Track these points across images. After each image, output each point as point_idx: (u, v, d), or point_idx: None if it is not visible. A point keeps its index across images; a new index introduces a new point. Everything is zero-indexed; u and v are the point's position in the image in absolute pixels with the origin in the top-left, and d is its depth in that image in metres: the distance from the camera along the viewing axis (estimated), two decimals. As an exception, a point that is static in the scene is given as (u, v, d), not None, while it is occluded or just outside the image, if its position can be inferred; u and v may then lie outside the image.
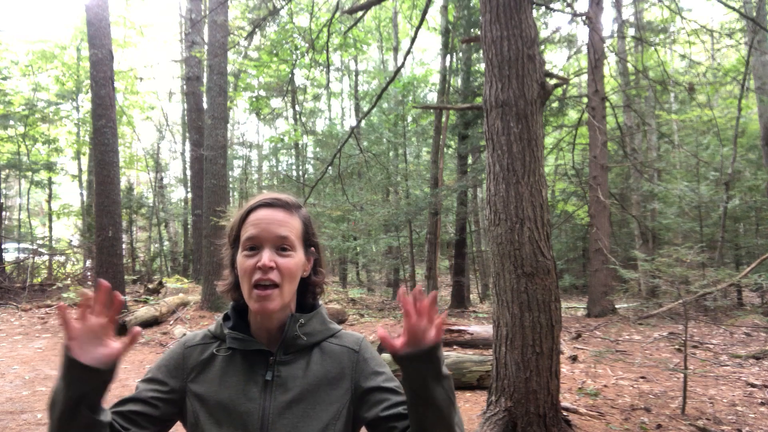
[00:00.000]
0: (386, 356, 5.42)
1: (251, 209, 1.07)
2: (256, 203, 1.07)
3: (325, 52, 6.53)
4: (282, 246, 1.03)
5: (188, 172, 17.09)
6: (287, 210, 1.07)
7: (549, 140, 14.25)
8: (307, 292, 1.13)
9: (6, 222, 15.81)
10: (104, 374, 0.87)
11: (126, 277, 11.01)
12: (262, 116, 20.75)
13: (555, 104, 11.48)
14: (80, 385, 0.86)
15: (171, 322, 8.39)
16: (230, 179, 20.28)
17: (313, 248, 1.12)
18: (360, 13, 6.81)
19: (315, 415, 1.00)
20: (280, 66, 10.78)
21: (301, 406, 1.00)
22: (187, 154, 17.15)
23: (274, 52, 9.45)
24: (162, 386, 1.04)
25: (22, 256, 14.06)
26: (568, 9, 9.42)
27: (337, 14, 6.84)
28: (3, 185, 15.43)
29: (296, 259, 1.05)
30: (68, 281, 12.97)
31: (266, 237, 1.02)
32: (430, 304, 0.90)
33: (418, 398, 0.91)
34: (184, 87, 16.66)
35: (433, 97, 16.59)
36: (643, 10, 13.98)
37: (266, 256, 1.00)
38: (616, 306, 10.39)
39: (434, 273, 11.79)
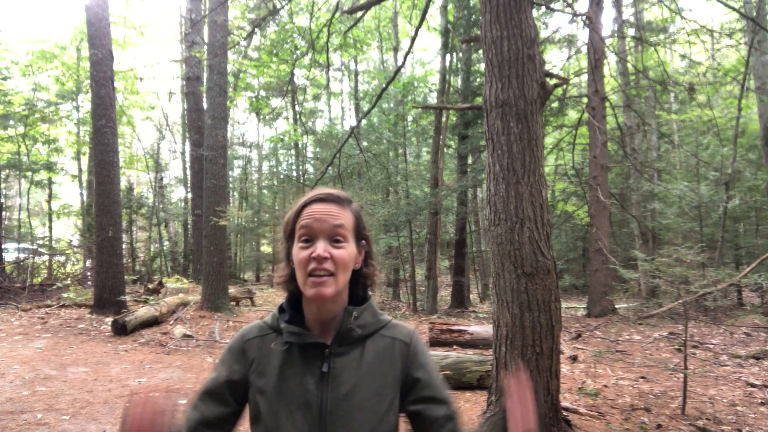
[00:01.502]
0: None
1: (305, 204, 1.11)
2: (309, 198, 1.12)
3: (325, 52, 6.53)
4: (335, 237, 1.08)
5: (188, 172, 17.09)
6: (340, 204, 1.12)
7: (549, 140, 14.25)
8: (358, 284, 1.16)
9: (6, 222, 15.81)
10: None
11: (126, 277, 11.01)
12: (262, 116, 20.75)
13: (555, 104, 11.48)
14: None
15: (171, 322, 8.38)
16: (230, 179, 20.27)
17: (364, 241, 1.16)
18: (360, 13, 6.81)
19: (370, 407, 1.05)
20: (280, 66, 10.76)
21: (357, 398, 1.04)
22: (187, 154, 17.15)
23: (274, 52, 9.43)
24: (230, 378, 1.10)
25: (22, 256, 14.06)
26: (568, 9, 9.41)
27: (337, 14, 6.84)
28: (3, 185, 15.42)
29: (349, 250, 1.09)
30: (68, 281, 12.98)
31: (320, 228, 1.07)
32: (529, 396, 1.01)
33: None
34: (184, 87, 16.65)
35: (433, 97, 16.59)
36: (643, 10, 13.98)
37: (321, 247, 1.05)
38: (616, 306, 10.39)
39: (434, 273, 11.79)
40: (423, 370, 1.11)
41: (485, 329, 6.92)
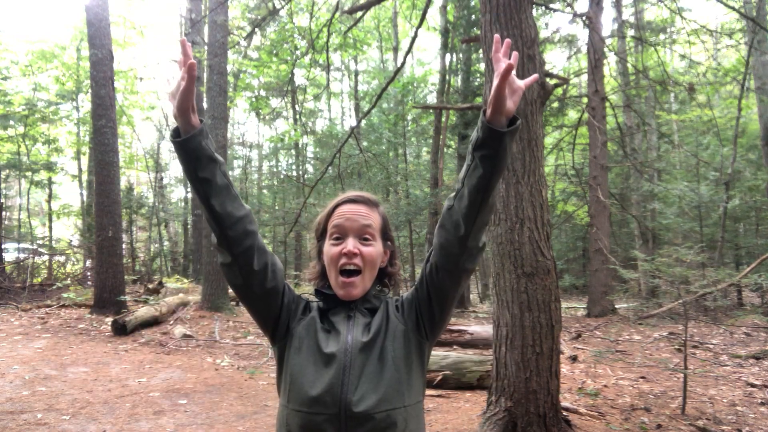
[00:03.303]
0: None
1: (337, 204, 1.23)
2: (341, 200, 1.23)
3: (325, 52, 6.53)
4: (364, 236, 1.19)
5: (188, 172, 17.01)
6: (369, 205, 1.23)
7: (549, 140, 14.24)
8: (381, 283, 1.28)
9: (6, 222, 15.80)
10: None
11: (126, 277, 11.00)
12: (262, 116, 20.75)
13: (555, 104, 11.48)
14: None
15: (171, 322, 8.38)
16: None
17: (389, 242, 1.27)
18: (360, 13, 6.82)
19: (376, 338, 1.16)
20: (280, 66, 10.77)
21: (369, 344, 1.15)
22: (187, 154, 17.07)
23: (274, 52, 9.44)
24: (288, 293, 1.22)
25: (22, 256, 14.05)
26: (568, 9, 9.42)
27: (337, 14, 6.84)
28: (3, 185, 15.42)
29: (376, 248, 1.20)
30: (68, 281, 12.97)
31: (351, 227, 1.18)
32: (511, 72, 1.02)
33: (495, 151, 1.04)
34: (184, 87, 16.57)
35: (433, 97, 16.58)
36: (643, 10, 13.97)
37: (351, 244, 1.17)
38: (616, 306, 10.39)
39: (434, 273, 11.77)
40: (403, 298, 1.23)
41: (485, 329, 6.92)
